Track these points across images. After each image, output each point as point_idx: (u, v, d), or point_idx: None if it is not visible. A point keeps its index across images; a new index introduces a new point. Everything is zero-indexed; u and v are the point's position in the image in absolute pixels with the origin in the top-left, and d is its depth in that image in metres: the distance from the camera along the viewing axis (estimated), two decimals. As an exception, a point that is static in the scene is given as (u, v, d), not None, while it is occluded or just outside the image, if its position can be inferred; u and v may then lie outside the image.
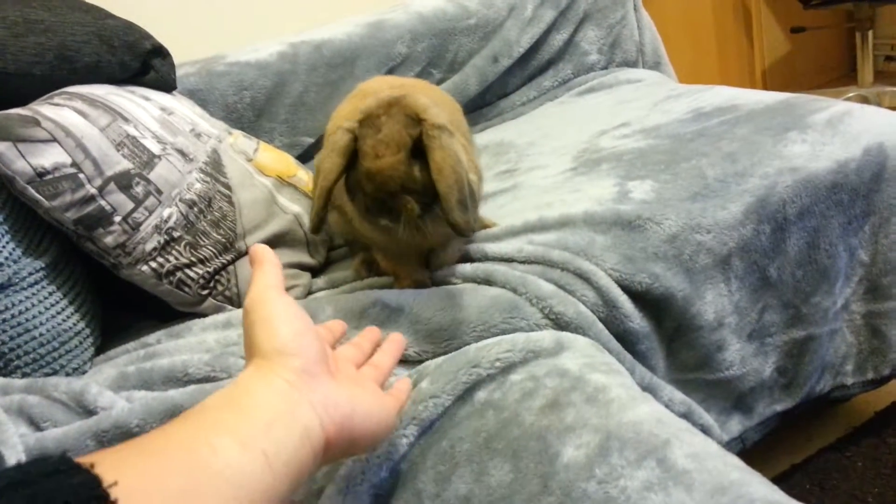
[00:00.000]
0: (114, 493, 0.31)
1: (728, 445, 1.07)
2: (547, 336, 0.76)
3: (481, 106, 1.62)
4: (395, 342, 0.72)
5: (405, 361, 0.83)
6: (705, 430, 1.01)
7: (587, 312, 0.89)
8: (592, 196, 1.06)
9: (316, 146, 1.45)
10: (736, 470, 0.58)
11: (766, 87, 2.94)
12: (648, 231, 0.96)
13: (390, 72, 1.50)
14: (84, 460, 0.33)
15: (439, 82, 1.55)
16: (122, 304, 1.07)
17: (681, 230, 0.97)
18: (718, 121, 1.23)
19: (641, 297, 0.94)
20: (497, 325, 0.85)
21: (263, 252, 0.55)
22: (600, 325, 0.89)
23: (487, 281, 0.91)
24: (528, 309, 0.87)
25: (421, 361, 0.82)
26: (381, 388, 0.59)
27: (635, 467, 0.57)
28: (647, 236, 0.96)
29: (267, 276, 0.53)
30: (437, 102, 0.85)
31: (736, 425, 1.09)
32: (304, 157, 1.44)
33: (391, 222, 0.78)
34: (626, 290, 0.93)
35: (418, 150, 0.76)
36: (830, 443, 1.27)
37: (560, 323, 0.87)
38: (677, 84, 1.56)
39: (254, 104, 1.39)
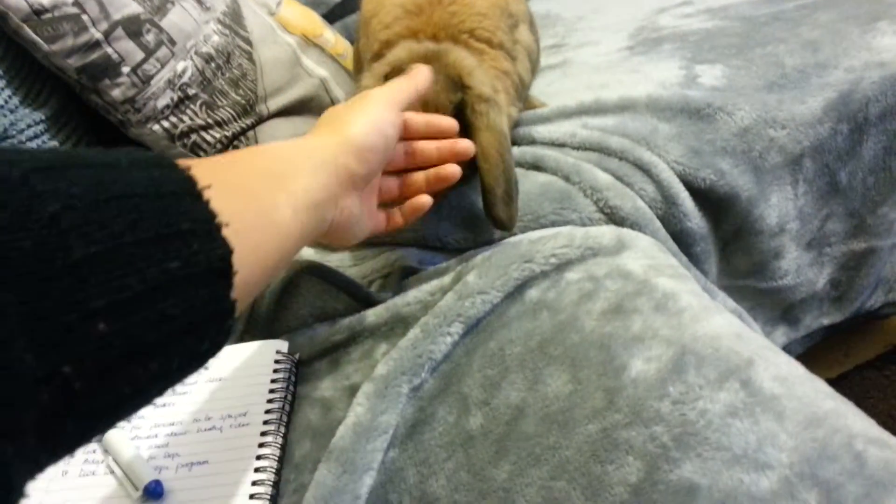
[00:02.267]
0: (207, 194, 0.34)
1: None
2: (607, 232, 0.68)
3: (525, -26, 1.47)
4: (442, 177, 0.63)
5: (444, 249, 0.75)
6: (752, 341, 0.95)
7: (645, 208, 0.80)
8: (655, 79, 0.94)
9: (342, 7, 1.32)
10: (828, 398, 0.51)
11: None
12: (718, 122, 0.86)
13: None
14: (185, 162, 0.36)
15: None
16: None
17: (753, 123, 0.87)
18: (795, 4, 1.10)
19: (703, 195, 0.85)
20: (546, 216, 0.76)
21: (418, 69, 0.61)
22: (658, 223, 0.81)
23: (536, 166, 0.82)
24: (581, 200, 0.78)
25: (461, 250, 0.74)
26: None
27: (716, 388, 0.50)
28: (716, 128, 0.86)
29: (401, 86, 0.58)
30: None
31: (781, 337, 1.03)
32: (330, 17, 1.30)
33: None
34: (688, 186, 0.84)
35: (458, 118, 0.66)
36: (869, 360, 1.22)
37: (615, 218, 0.78)
38: (745, -39, 1.40)
39: (276, -46, 1.25)
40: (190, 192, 0.34)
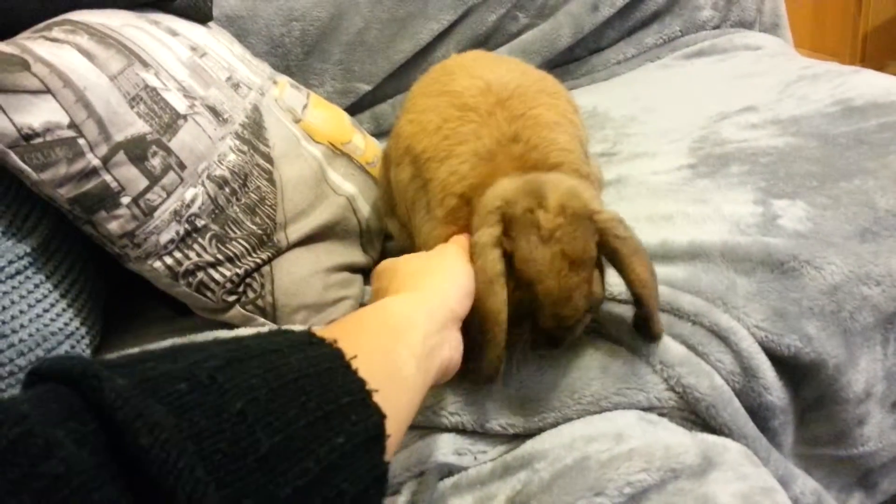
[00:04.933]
0: (354, 364, 0.37)
1: (846, 531, 0.88)
2: (691, 447, 0.56)
3: (569, 61, 1.36)
4: None
5: (487, 435, 0.63)
6: (831, 523, 0.82)
7: (723, 386, 0.68)
8: (728, 215, 0.83)
9: (372, 95, 1.22)
10: None
11: (864, 54, 2.62)
12: (804, 278, 0.75)
13: (468, 12, 1.24)
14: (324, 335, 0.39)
15: (525, 29, 1.29)
16: (131, 283, 0.88)
17: (845, 280, 0.75)
18: (878, 123, 0.98)
19: (785, 363, 0.73)
20: (609, 398, 0.65)
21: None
22: (736, 403, 0.69)
23: (596, 330, 0.70)
24: (649, 377, 0.67)
25: (510, 436, 0.62)
26: None
27: None
28: (802, 284, 0.74)
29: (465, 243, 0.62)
30: (561, 118, 0.73)
31: (856, 504, 0.90)
32: (358, 106, 1.21)
33: (552, 348, 0.64)
34: (770, 353, 0.72)
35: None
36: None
37: (688, 398, 0.67)
38: (808, 59, 1.30)
39: (304, 39, 1.15)
40: (341, 365, 0.37)
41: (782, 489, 0.58)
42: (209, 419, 0.30)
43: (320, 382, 0.35)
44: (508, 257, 0.59)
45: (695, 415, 0.67)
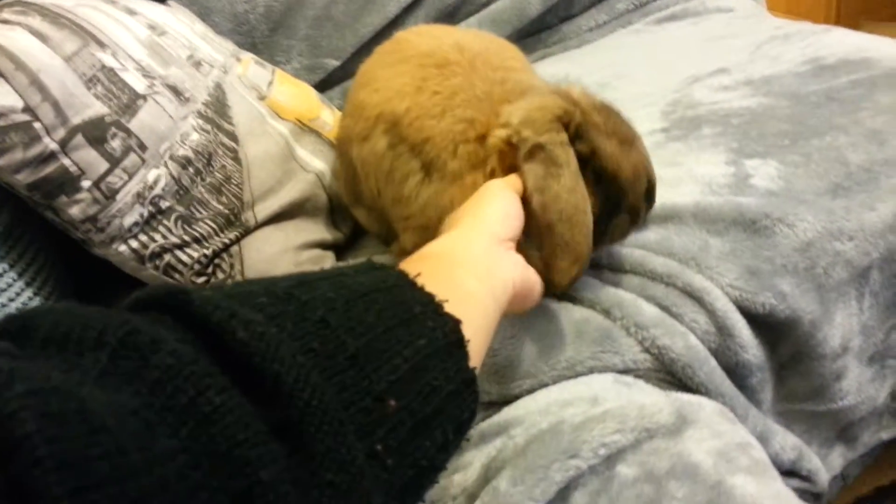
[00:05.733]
0: (419, 281, 0.39)
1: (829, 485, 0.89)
2: (666, 406, 0.56)
3: (540, 29, 1.35)
4: None
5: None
6: (812, 475, 0.83)
7: (698, 346, 0.68)
8: (699, 176, 0.83)
9: (342, 70, 1.20)
10: None
11: (838, 14, 2.62)
12: (777, 236, 0.74)
13: (436, -18, 1.22)
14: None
15: (493, -1, 1.28)
16: (101, 271, 0.86)
17: (818, 236, 0.75)
18: (849, 80, 0.98)
19: (760, 321, 0.73)
20: (584, 362, 0.64)
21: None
22: (712, 362, 0.69)
23: (569, 296, 0.70)
24: (623, 340, 0.66)
25: (485, 404, 0.62)
26: None
27: None
28: (775, 242, 0.74)
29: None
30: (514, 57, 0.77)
31: (837, 458, 0.91)
32: (327, 83, 1.19)
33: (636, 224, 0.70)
34: (745, 312, 0.72)
35: None
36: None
37: (664, 359, 0.67)
38: (780, 20, 1.29)
39: (269, 15, 1.13)
40: (407, 283, 0.38)
41: (758, 444, 0.59)
42: (295, 325, 0.31)
43: (390, 296, 0.36)
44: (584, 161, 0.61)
45: (671, 375, 0.67)
